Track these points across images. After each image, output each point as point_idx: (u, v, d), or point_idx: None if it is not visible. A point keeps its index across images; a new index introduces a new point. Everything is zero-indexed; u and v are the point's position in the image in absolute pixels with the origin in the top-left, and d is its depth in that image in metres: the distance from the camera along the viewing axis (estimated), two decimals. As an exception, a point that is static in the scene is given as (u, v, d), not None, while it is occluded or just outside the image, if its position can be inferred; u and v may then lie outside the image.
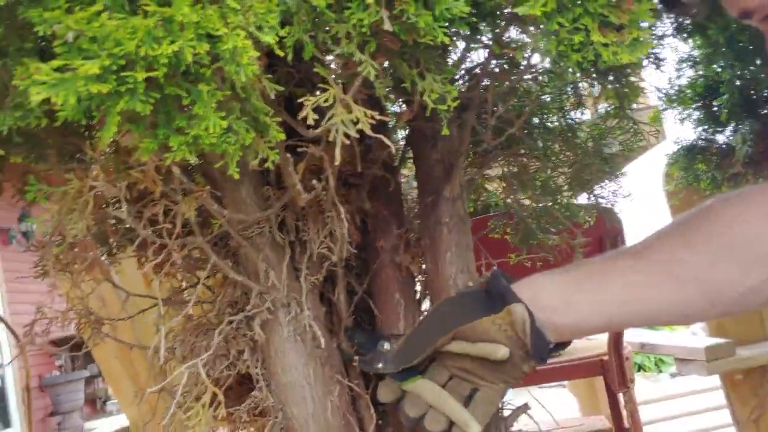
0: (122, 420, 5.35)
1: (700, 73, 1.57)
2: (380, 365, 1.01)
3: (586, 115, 1.51)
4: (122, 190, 0.85)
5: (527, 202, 1.54)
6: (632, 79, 1.08)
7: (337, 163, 0.74)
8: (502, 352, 0.84)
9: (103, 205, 0.91)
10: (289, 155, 0.86)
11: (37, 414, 8.57)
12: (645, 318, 0.88)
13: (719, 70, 1.47)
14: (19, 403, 7.59)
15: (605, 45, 0.71)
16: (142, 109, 0.63)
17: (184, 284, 1.22)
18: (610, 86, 1.02)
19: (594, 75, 1.04)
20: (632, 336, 2.48)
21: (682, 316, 0.87)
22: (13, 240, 7.72)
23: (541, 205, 1.52)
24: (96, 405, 9.40)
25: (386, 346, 1.04)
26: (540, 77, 1.39)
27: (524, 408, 1.15)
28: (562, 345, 0.92)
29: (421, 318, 1.00)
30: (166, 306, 1.15)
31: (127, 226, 0.92)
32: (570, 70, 0.78)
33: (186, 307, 1.14)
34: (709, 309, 0.85)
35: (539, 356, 0.86)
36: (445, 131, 0.81)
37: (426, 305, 1.23)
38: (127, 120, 0.68)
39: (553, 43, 0.73)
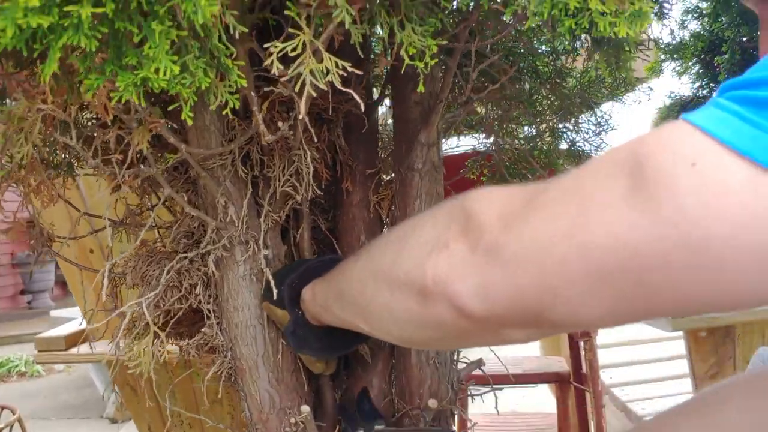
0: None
1: (706, 27, 1.50)
2: None
3: (578, 61, 1.45)
4: (72, 115, 0.78)
5: (507, 146, 1.49)
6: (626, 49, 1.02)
7: (302, 116, 0.68)
8: None
9: (54, 127, 0.85)
10: (254, 95, 0.80)
11: (7, 290, 8.63)
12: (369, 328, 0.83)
13: (725, 26, 1.40)
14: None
15: (603, 14, 0.65)
16: (87, 45, 0.57)
17: (145, 202, 1.18)
18: (601, 56, 0.95)
19: (587, 42, 0.97)
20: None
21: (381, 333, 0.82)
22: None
23: (518, 149, 1.48)
24: (67, 287, 9.44)
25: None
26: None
27: (478, 363, 1.14)
28: None
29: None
30: (120, 228, 1.10)
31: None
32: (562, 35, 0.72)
33: (141, 228, 1.10)
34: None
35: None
36: (421, 88, 0.76)
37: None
38: (72, 52, 0.61)
39: (547, 5, 0.66)
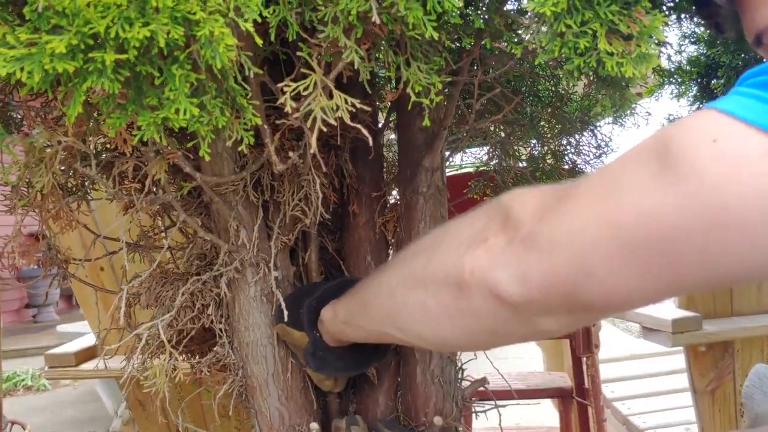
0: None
1: (702, 51, 1.54)
2: None
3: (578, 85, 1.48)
4: (91, 146, 0.82)
5: (510, 167, 1.52)
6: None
7: (312, 150, 0.72)
8: None
9: (74, 157, 0.89)
10: (266, 127, 0.84)
11: (12, 304, 8.65)
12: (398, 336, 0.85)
13: (721, 52, 1.44)
14: (-5, 293, 7.62)
15: (610, 54, 0.69)
16: (110, 88, 0.61)
17: (158, 224, 1.21)
18: (603, 93, 0.99)
19: (593, 78, 1.01)
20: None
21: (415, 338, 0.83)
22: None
23: (520, 170, 1.51)
24: (72, 300, 9.47)
25: None
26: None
27: (482, 381, 1.17)
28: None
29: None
30: (134, 251, 1.14)
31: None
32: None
33: (155, 251, 1.14)
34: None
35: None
36: (426, 122, 0.79)
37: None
38: (94, 93, 0.65)
39: (557, 44, 0.70)
